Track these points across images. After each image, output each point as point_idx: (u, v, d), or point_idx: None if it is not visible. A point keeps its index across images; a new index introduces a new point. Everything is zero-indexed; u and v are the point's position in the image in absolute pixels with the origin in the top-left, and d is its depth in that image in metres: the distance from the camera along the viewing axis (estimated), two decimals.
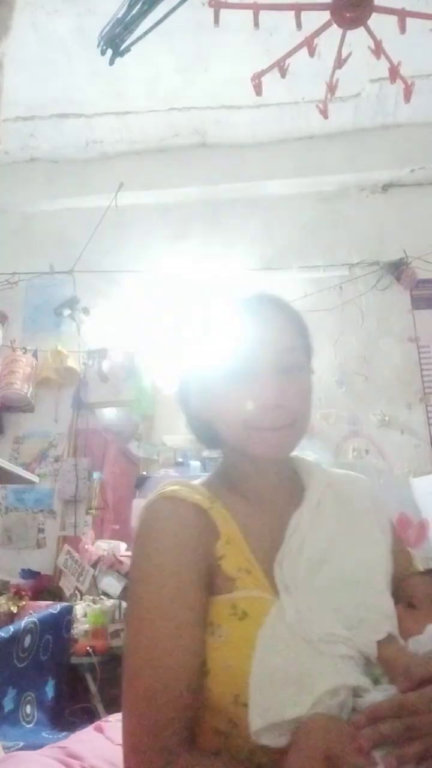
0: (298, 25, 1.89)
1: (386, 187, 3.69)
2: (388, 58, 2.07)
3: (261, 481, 0.85)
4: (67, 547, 3.03)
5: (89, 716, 2.19)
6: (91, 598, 2.71)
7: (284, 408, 0.79)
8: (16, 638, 2.00)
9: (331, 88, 2.30)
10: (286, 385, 0.79)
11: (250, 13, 1.91)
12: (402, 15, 1.94)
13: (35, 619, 2.14)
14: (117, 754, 0.92)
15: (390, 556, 0.86)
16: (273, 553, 0.77)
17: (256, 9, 1.90)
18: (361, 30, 1.95)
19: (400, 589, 0.83)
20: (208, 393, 0.85)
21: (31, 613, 2.22)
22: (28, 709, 1.99)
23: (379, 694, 0.67)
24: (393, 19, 1.96)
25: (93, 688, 2.37)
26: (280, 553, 0.77)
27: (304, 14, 1.89)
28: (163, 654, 0.68)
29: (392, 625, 0.75)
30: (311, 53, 2.01)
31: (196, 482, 0.87)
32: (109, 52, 2.05)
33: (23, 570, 2.99)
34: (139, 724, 0.67)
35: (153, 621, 0.71)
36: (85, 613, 2.56)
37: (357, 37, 2.02)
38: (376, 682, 0.70)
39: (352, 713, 0.67)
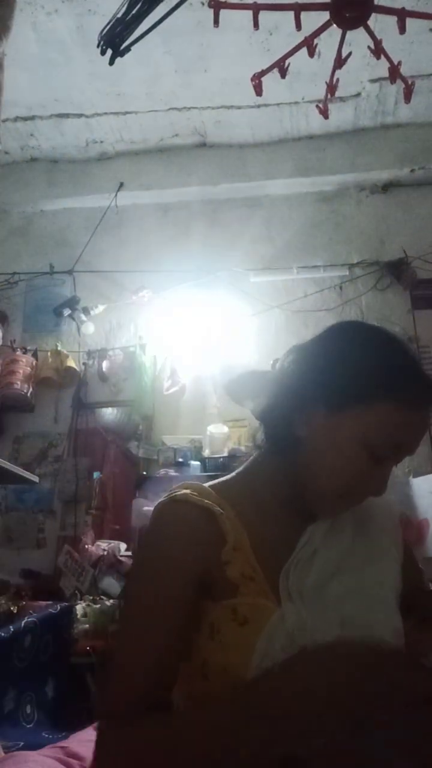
0: (298, 25, 1.89)
1: (386, 187, 3.69)
2: (388, 58, 2.06)
3: (283, 502, 0.84)
4: (67, 547, 3.03)
5: (89, 716, 2.18)
6: (91, 598, 2.71)
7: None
8: (16, 638, 1.99)
9: (331, 88, 2.30)
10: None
11: (250, 13, 1.91)
12: (402, 15, 1.94)
13: (35, 619, 2.13)
14: None
15: (400, 572, 0.85)
16: (281, 563, 0.77)
17: (256, 9, 1.90)
18: (361, 30, 1.95)
19: (410, 607, 0.83)
20: (330, 444, 0.78)
21: (31, 613, 2.21)
22: (28, 709, 1.99)
23: None
24: (393, 19, 1.96)
25: (93, 688, 2.37)
26: (288, 562, 0.77)
27: (304, 14, 1.89)
28: (139, 637, 0.73)
29: (400, 642, 0.74)
30: (311, 53, 2.01)
31: (211, 484, 0.85)
32: (109, 51, 2.04)
33: (23, 570, 2.99)
34: (114, 684, 0.72)
35: (140, 610, 0.76)
36: (85, 613, 2.55)
37: (357, 37, 2.02)
38: None
39: None
